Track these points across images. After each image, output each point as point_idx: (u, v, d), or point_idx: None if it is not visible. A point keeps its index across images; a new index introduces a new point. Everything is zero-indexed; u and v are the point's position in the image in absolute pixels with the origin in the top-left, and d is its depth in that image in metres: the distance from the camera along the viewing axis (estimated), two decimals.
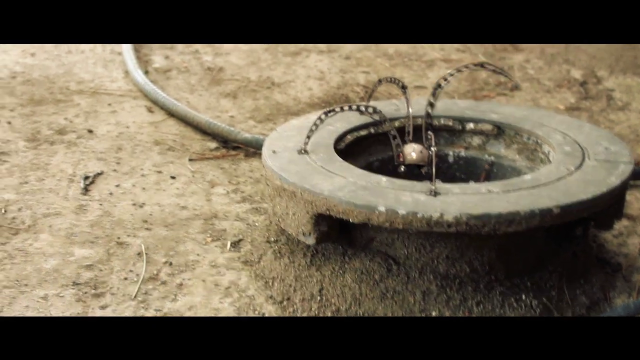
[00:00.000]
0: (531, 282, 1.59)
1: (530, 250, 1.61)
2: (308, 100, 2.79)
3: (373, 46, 3.44)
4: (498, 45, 3.54)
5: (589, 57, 3.29)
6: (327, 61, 3.20)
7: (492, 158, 1.91)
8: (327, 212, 1.52)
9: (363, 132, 1.90)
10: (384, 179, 1.57)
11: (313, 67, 3.14)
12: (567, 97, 2.92)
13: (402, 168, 1.77)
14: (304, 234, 1.59)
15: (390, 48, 3.44)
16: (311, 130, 1.71)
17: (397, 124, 1.91)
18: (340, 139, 1.83)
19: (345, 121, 1.91)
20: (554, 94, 2.95)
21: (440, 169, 1.95)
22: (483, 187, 1.53)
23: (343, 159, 1.76)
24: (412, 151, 1.77)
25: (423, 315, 1.53)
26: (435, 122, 1.95)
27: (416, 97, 2.66)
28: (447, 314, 1.53)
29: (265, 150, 1.73)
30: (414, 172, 1.82)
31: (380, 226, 1.47)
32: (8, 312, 1.54)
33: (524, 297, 1.57)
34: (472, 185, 1.55)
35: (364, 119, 1.92)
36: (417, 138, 1.92)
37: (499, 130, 1.90)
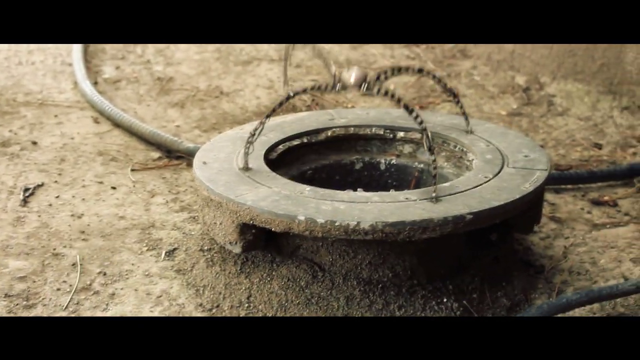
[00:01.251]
0: (453, 286, 1.64)
1: (451, 255, 1.66)
2: (255, 109, 2.83)
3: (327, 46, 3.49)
4: (447, 52, 3.61)
5: (533, 64, 3.36)
6: (277, 70, 3.25)
7: (422, 165, 1.96)
8: (251, 222, 1.56)
9: (296, 142, 1.95)
10: (307, 188, 1.61)
11: (263, 76, 3.18)
12: (510, 102, 2.98)
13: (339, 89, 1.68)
14: (230, 243, 1.63)
15: (341, 56, 3.49)
16: (249, 142, 1.73)
17: (326, 134, 1.97)
18: (272, 149, 1.88)
19: (279, 131, 1.95)
20: (497, 100, 3.02)
21: (373, 177, 2.00)
22: (401, 195, 1.58)
23: (276, 168, 1.80)
24: (351, 72, 1.69)
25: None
26: (368, 131, 2.00)
27: (363, 108, 2.71)
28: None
29: (196, 161, 1.77)
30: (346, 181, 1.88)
31: (304, 235, 1.52)
32: None
33: (445, 300, 1.62)
34: (391, 193, 1.60)
35: (297, 129, 1.97)
36: (347, 147, 1.98)
37: None
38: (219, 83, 3.06)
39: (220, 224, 1.63)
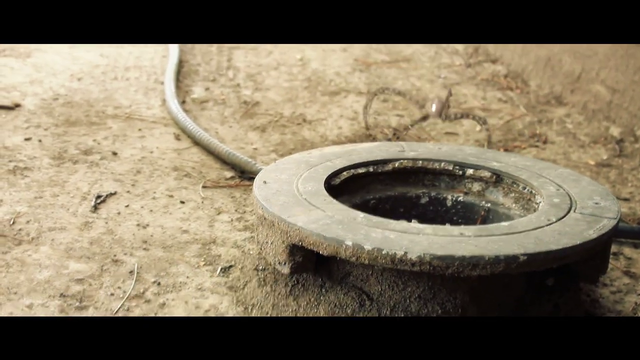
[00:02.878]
0: None
1: (506, 297, 1.59)
2: (335, 138, 2.83)
3: (414, 91, 3.47)
4: (542, 98, 3.52)
5: (630, 115, 3.23)
6: (363, 102, 3.24)
7: (489, 205, 1.90)
8: (300, 243, 1.54)
9: (361, 170, 1.92)
10: (361, 215, 1.59)
11: (348, 108, 3.18)
12: (600, 153, 2.87)
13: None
14: (279, 263, 1.61)
15: (431, 93, 3.46)
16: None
17: (393, 165, 1.94)
18: (335, 174, 1.86)
19: (345, 158, 1.94)
20: (587, 150, 2.91)
21: (438, 212, 1.95)
22: (456, 230, 1.53)
23: (338, 195, 1.79)
24: (433, 103, 2.17)
25: None
26: (437, 166, 1.96)
27: (436, 143, 2.67)
28: None
29: (257, 180, 1.78)
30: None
31: (351, 261, 1.49)
32: None
33: None
34: (446, 227, 1.56)
35: (365, 157, 1.95)
36: (415, 180, 1.94)
37: (498, 178, 1.90)
38: (303, 111, 3.08)
39: (272, 243, 1.63)
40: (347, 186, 1.89)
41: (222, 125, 2.82)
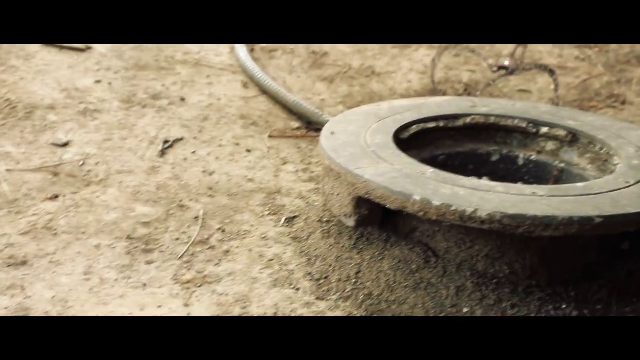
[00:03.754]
0: (576, 293, 1.53)
1: (578, 260, 1.54)
2: (404, 92, 2.78)
3: (487, 46, 3.37)
4: (622, 57, 3.38)
5: None
6: (434, 56, 3.16)
7: (563, 165, 1.84)
8: (367, 196, 1.52)
9: (431, 125, 1.88)
10: (430, 170, 1.55)
11: (419, 61, 3.11)
12: None
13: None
14: (345, 216, 1.59)
15: (505, 49, 3.36)
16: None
17: (464, 121, 1.89)
18: (404, 128, 1.82)
19: (415, 112, 1.89)
20: None
21: (509, 171, 1.90)
22: (529, 189, 1.48)
23: (407, 149, 1.75)
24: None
25: (453, 310, 1.50)
26: (510, 123, 1.90)
27: (509, 99, 2.60)
28: (479, 313, 1.49)
29: (324, 131, 1.75)
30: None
31: (419, 216, 1.46)
32: (61, 256, 1.63)
33: (564, 306, 1.51)
34: (518, 185, 1.51)
35: (436, 112, 1.90)
36: (486, 137, 1.89)
37: (574, 138, 1.83)
38: (372, 63, 3.03)
39: (338, 195, 1.60)
40: (416, 140, 1.85)
41: (290, 74, 2.79)
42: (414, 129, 1.84)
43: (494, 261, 1.51)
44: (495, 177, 1.87)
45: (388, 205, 1.48)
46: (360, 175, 1.51)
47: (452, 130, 1.91)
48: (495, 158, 1.90)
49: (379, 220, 1.60)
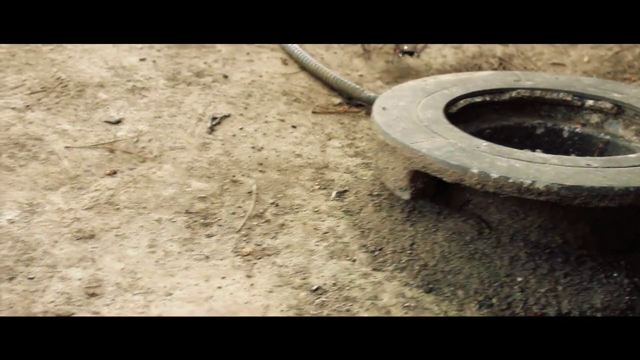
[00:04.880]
0: (626, 262, 1.57)
1: (629, 230, 1.58)
2: (440, 67, 2.81)
3: None
4: None
5: None
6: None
7: (608, 137, 1.88)
8: (423, 170, 1.56)
9: (478, 99, 1.92)
10: (484, 143, 1.59)
11: None
12: None
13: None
14: (400, 189, 1.64)
15: None
16: None
17: (509, 95, 1.92)
18: (452, 103, 1.86)
19: (461, 87, 1.93)
20: None
21: (554, 143, 1.94)
22: (583, 160, 1.52)
23: (454, 122, 1.79)
24: None
25: (508, 280, 1.55)
26: (554, 96, 1.93)
27: (553, 73, 2.63)
28: (533, 281, 1.54)
29: (375, 107, 1.80)
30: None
31: (476, 189, 1.51)
32: (125, 230, 1.69)
33: (615, 274, 1.55)
34: (571, 157, 1.55)
35: (481, 86, 1.94)
36: (531, 110, 1.93)
37: (619, 110, 1.87)
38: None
39: (393, 169, 1.65)
40: (462, 114, 1.89)
41: (327, 51, 2.83)
42: (462, 103, 1.88)
43: (547, 231, 1.56)
44: (541, 149, 1.91)
45: (445, 179, 1.53)
46: (417, 149, 1.56)
47: (498, 104, 1.95)
48: (540, 131, 1.94)
49: (432, 193, 1.65)
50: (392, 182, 1.66)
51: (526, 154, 1.55)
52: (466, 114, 1.89)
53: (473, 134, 1.85)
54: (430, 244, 1.64)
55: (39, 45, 2.40)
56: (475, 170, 1.47)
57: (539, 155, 1.55)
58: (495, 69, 2.81)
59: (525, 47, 3.06)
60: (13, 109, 2.05)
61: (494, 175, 1.45)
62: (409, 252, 1.66)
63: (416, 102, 1.82)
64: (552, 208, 1.53)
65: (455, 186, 1.59)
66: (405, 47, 2.35)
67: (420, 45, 2.41)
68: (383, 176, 1.71)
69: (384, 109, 1.78)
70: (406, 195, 1.63)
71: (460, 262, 1.59)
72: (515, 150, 1.56)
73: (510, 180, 1.44)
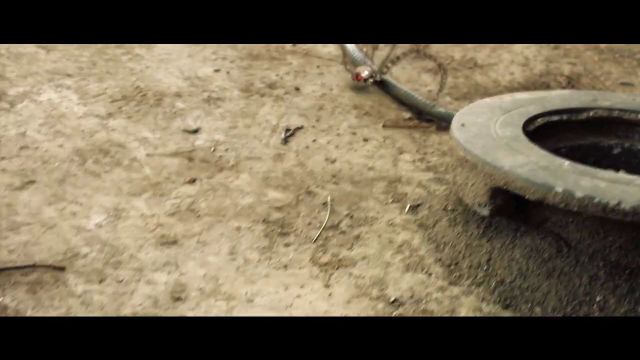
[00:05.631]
0: None
1: None
2: (508, 84, 2.81)
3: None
4: None
5: None
6: (533, 49, 3.19)
7: None
8: (505, 187, 1.57)
9: (555, 118, 1.92)
10: (566, 162, 1.60)
11: (519, 54, 3.14)
12: None
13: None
14: (479, 205, 1.65)
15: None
16: None
17: (587, 114, 1.92)
18: (530, 121, 1.87)
19: (539, 105, 1.94)
20: None
21: (630, 164, 1.93)
22: None
23: (531, 141, 1.80)
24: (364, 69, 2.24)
25: (586, 299, 1.55)
26: (632, 117, 1.93)
27: (630, 94, 2.61)
28: (612, 301, 1.54)
29: (454, 123, 1.81)
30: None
31: (556, 207, 1.51)
32: (206, 237, 1.74)
33: None
34: None
35: (558, 105, 1.94)
36: (607, 130, 1.93)
37: None
38: (473, 55, 3.07)
39: (472, 185, 1.66)
40: (539, 133, 1.89)
41: (395, 65, 2.85)
42: (539, 122, 1.89)
43: (628, 252, 1.56)
44: (617, 170, 1.91)
45: (527, 196, 1.53)
46: (500, 166, 1.57)
47: (574, 123, 1.94)
48: (616, 151, 1.93)
49: (511, 210, 1.65)
50: (471, 198, 1.67)
51: (610, 174, 1.55)
52: (543, 132, 1.89)
53: (550, 152, 1.86)
54: (507, 260, 1.65)
55: (118, 54, 2.47)
56: (559, 189, 1.48)
57: (623, 176, 1.55)
58: (564, 88, 2.81)
59: (594, 66, 3.04)
60: (96, 116, 2.11)
61: (579, 194, 1.46)
62: (485, 267, 1.67)
63: (494, 119, 1.83)
64: (634, 229, 1.53)
65: (534, 204, 1.60)
66: (365, 72, 2.26)
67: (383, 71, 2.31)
68: (461, 192, 1.72)
69: (462, 125, 1.79)
70: (485, 212, 1.64)
71: (538, 280, 1.60)
72: (598, 170, 1.56)
73: (596, 200, 1.44)
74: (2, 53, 2.28)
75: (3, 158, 1.86)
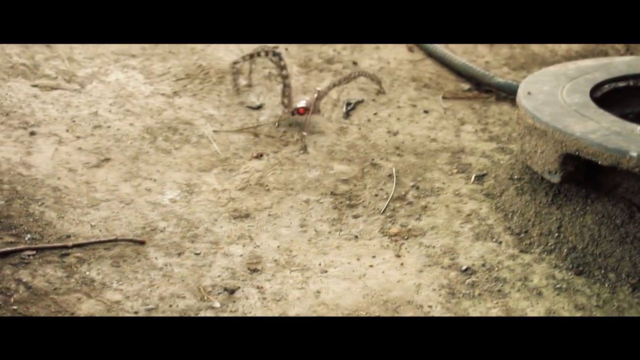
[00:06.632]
0: None
1: None
2: (565, 53, 2.79)
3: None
4: None
5: None
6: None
7: None
8: (576, 153, 1.57)
9: (621, 84, 1.91)
10: (638, 127, 1.59)
11: None
12: None
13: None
14: (549, 172, 1.66)
15: None
16: None
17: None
18: (597, 87, 1.86)
19: (604, 71, 1.92)
20: None
21: None
22: None
23: (597, 107, 1.79)
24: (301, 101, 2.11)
25: None
26: None
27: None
28: None
29: (520, 91, 1.81)
30: None
31: (629, 173, 1.51)
32: (277, 210, 1.77)
33: None
34: None
35: (625, 71, 1.93)
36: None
37: None
38: None
39: (542, 152, 1.66)
40: (605, 99, 1.88)
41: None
42: (606, 88, 1.88)
43: None
44: None
45: (600, 162, 1.53)
46: (570, 132, 1.57)
47: None
48: None
49: (582, 176, 1.65)
50: (541, 165, 1.67)
51: None
52: (610, 98, 1.88)
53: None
54: (578, 227, 1.65)
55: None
56: (634, 154, 1.47)
57: None
58: (622, 55, 2.77)
59: None
60: (162, 94, 2.15)
61: None
62: (556, 234, 1.67)
63: (560, 86, 1.82)
64: None
65: (605, 170, 1.59)
66: (303, 102, 2.10)
67: (315, 103, 2.11)
68: (529, 160, 1.72)
69: (529, 93, 1.79)
70: (556, 179, 1.64)
71: (611, 246, 1.60)
72: None
73: None
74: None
75: (79, 137, 1.91)
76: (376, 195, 1.86)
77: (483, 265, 1.63)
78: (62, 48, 2.29)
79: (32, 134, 1.90)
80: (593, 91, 1.83)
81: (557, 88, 1.82)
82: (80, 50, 2.28)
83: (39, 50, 2.26)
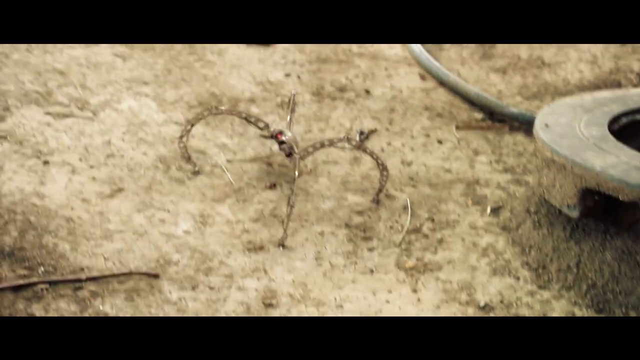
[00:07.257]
0: None
1: None
2: (578, 82, 2.78)
3: None
4: None
5: None
6: (600, 46, 3.13)
7: None
8: (596, 188, 1.55)
9: (639, 117, 1.89)
10: None
11: (586, 51, 3.09)
12: None
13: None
14: (568, 207, 1.64)
15: None
16: None
17: None
18: (614, 120, 1.84)
19: (620, 103, 1.91)
20: None
21: None
22: None
23: (616, 140, 1.77)
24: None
25: None
26: None
27: None
28: None
29: (537, 123, 1.80)
30: None
31: None
32: (291, 242, 1.75)
33: None
34: None
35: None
36: None
37: None
38: (540, 53, 3.03)
39: (560, 186, 1.65)
40: (624, 132, 1.87)
41: (463, 66, 2.84)
42: (624, 120, 1.86)
43: None
44: None
45: (621, 197, 1.51)
46: (591, 167, 1.55)
47: None
48: None
49: (601, 211, 1.63)
50: (559, 199, 1.66)
51: None
52: (628, 131, 1.86)
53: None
54: (598, 263, 1.63)
55: (191, 61, 2.50)
56: None
57: None
58: (635, 85, 2.76)
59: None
60: (175, 123, 2.14)
61: None
62: (575, 270, 1.65)
63: (577, 119, 1.81)
64: None
65: (625, 205, 1.57)
66: (283, 136, 1.98)
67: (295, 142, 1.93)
68: (547, 193, 1.70)
69: (546, 125, 1.77)
70: (575, 213, 1.62)
71: (632, 283, 1.58)
72: None
73: None
74: (82, 62, 2.33)
75: (92, 166, 1.90)
76: (391, 227, 1.84)
77: (501, 301, 1.60)
78: (74, 74, 2.29)
79: (46, 162, 1.89)
80: (611, 124, 1.81)
81: (574, 120, 1.81)
82: (92, 77, 2.27)
83: (52, 77, 2.25)
